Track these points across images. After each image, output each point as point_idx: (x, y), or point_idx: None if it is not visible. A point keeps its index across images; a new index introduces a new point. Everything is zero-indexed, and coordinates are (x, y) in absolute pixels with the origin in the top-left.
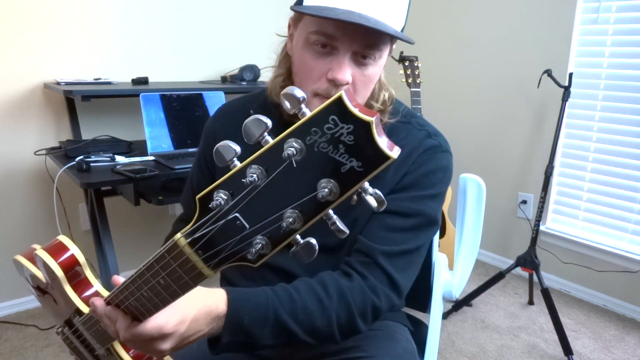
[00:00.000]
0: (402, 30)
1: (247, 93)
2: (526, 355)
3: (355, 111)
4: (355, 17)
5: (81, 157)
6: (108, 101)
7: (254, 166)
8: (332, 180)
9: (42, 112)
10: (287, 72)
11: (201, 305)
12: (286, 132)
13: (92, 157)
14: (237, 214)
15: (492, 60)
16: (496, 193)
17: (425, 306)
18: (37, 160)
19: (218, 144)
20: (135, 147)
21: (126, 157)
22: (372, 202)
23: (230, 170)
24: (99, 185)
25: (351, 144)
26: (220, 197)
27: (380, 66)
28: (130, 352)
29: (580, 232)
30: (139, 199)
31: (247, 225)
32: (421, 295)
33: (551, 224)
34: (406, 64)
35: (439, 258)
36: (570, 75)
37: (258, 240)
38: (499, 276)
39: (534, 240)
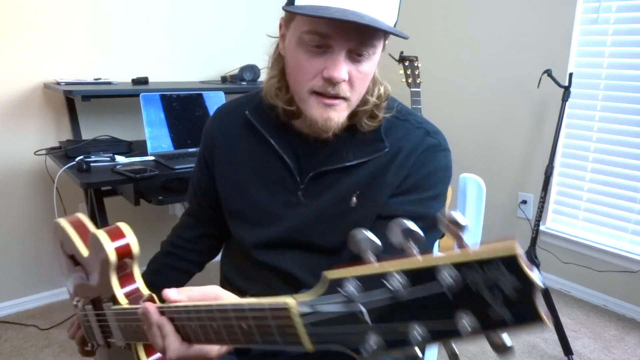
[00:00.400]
0: (394, 26)
1: (246, 93)
2: (526, 355)
3: (528, 272)
4: (349, 15)
5: (81, 157)
6: (108, 101)
7: (399, 274)
8: (474, 317)
9: (42, 112)
10: (280, 73)
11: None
12: (453, 261)
13: (92, 157)
14: (363, 309)
15: (492, 60)
16: (496, 193)
17: None
18: (37, 160)
19: (355, 233)
20: (135, 147)
21: (126, 157)
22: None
23: (365, 262)
24: (99, 185)
25: (510, 297)
26: (353, 286)
27: (374, 62)
28: (151, 358)
29: (580, 232)
30: (139, 199)
31: (369, 323)
32: None
33: (551, 224)
34: (406, 64)
35: None
36: (570, 75)
37: (374, 340)
38: None
39: (534, 240)
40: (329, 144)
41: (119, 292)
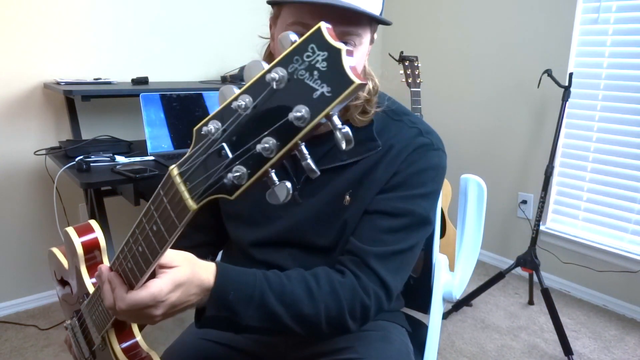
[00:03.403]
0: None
1: None
2: (526, 355)
3: (329, 39)
4: (329, 0)
5: (81, 157)
6: (108, 101)
7: (243, 95)
8: (305, 106)
9: (42, 112)
10: None
11: (193, 275)
12: (274, 62)
13: (92, 157)
14: (223, 144)
15: (492, 60)
16: (496, 193)
17: (426, 307)
18: (37, 160)
19: (222, 87)
20: (135, 147)
21: (126, 157)
22: (341, 140)
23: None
24: (99, 185)
25: (324, 71)
26: (212, 126)
27: (362, 53)
28: (122, 344)
29: (580, 232)
30: (139, 199)
31: (230, 155)
32: (422, 296)
33: (551, 224)
34: (406, 64)
35: (439, 259)
36: (570, 75)
37: (236, 169)
38: (499, 276)
39: (534, 240)
40: (323, 144)
41: (89, 283)
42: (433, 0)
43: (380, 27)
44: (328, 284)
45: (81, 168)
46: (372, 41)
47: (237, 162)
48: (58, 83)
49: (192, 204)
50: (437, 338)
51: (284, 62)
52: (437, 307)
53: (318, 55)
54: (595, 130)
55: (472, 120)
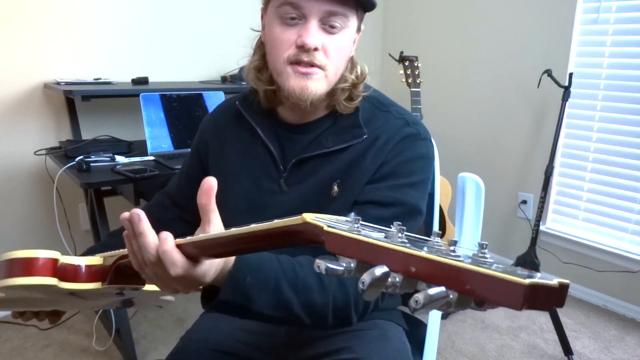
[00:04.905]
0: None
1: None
2: (526, 355)
3: None
4: None
5: (81, 157)
6: (108, 101)
7: None
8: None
9: (42, 112)
10: (261, 57)
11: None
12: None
13: (92, 157)
14: None
15: (492, 60)
16: (496, 193)
17: None
18: (37, 160)
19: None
20: (135, 147)
21: (126, 157)
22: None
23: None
24: (99, 185)
25: None
26: None
27: (349, 35)
28: None
29: (580, 232)
30: (139, 199)
31: None
32: None
33: (551, 224)
34: (406, 64)
35: None
36: (570, 75)
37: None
38: None
39: (534, 240)
40: (310, 132)
41: (83, 286)
42: (433, 0)
43: (380, 27)
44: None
45: (81, 168)
46: (358, 29)
47: None
48: (58, 83)
49: None
50: (437, 337)
51: None
52: None
53: None
54: (595, 130)
55: (472, 120)
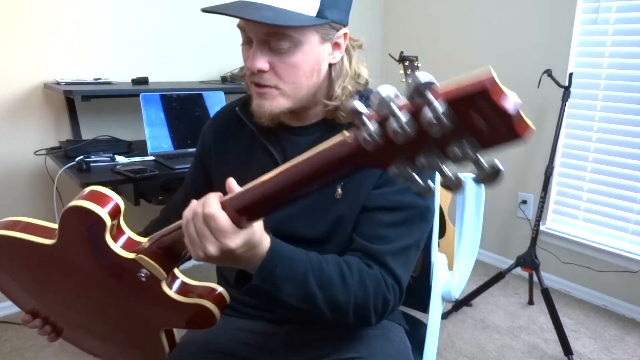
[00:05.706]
0: (318, 15)
1: (246, 94)
2: (526, 355)
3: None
4: (234, 6)
5: (81, 157)
6: (108, 101)
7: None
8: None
9: (42, 112)
10: None
11: (260, 241)
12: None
13: (92, 157)
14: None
15: (492, 60)
16: (496, 193)
17: (425, 306)
18: (37, 160)
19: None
20: (135, 147)
21: (126, 157)
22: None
23: None
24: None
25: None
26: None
27: (305, 53)
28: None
29: (580, 232)
30: (139, 199)
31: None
32: (421, 295)
33: (551, 224)
34: (406, 64)
35: (438, 258)
36: (570, 75)
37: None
38: (499, 276)
39: (534, 240)
40: (312, 133)
41: (116, 247)
42: (433, 0)
43: (380, 27)
44: (358, 274)
45: (81, 168)
46: (328, 39)
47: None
48: (58, 83)
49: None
50: (437, 337)
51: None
52: (436, 306)
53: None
54: (595, 130)
55: None
